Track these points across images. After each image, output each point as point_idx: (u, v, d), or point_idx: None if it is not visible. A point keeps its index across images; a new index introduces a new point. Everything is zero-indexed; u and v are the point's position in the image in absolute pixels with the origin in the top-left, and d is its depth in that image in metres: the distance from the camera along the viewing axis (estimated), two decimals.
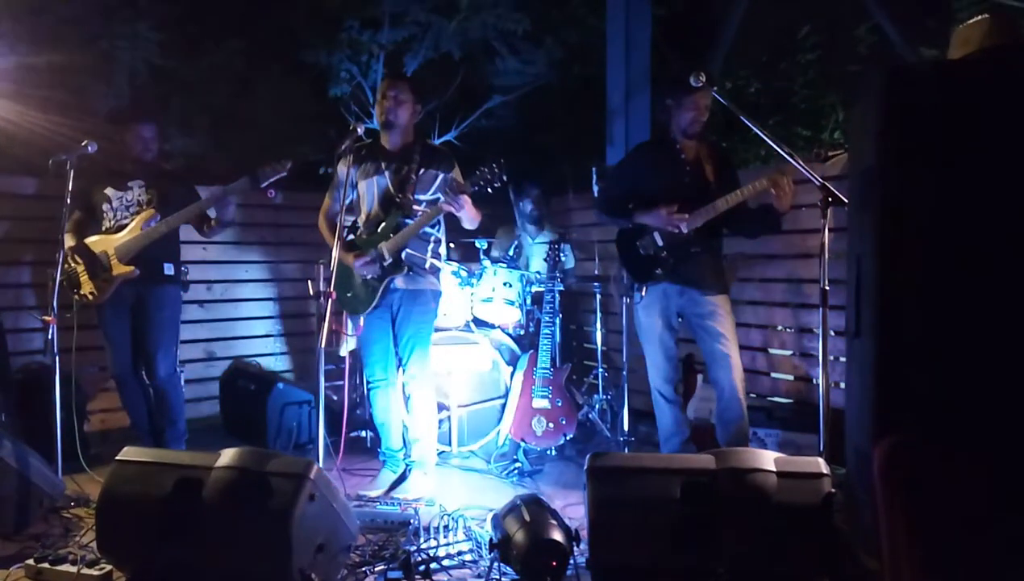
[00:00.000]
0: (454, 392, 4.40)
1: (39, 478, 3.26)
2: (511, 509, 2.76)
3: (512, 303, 4.69)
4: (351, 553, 2.82)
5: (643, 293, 3.66)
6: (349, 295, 3.68)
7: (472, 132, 7.00)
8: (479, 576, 2.78)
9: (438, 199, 3.57)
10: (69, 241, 3.76)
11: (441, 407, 4.29)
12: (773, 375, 4.57)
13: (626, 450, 4.40)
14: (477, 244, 4.96)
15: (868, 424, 2.04)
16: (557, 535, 2.61)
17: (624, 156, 4.10)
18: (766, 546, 2.42)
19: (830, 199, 2.85)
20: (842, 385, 3.80)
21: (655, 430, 3.82)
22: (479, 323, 4.71)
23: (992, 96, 1.94)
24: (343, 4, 6.58)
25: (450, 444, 4.38)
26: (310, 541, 2.45)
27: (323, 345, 2.97)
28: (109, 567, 2.67)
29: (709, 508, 2.44)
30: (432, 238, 3.73)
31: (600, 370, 5.03)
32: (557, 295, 4.52)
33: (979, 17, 2.53)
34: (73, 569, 2.67)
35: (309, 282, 5.02)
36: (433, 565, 2.80)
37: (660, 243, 3.59)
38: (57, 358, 3.47)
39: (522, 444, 4.25)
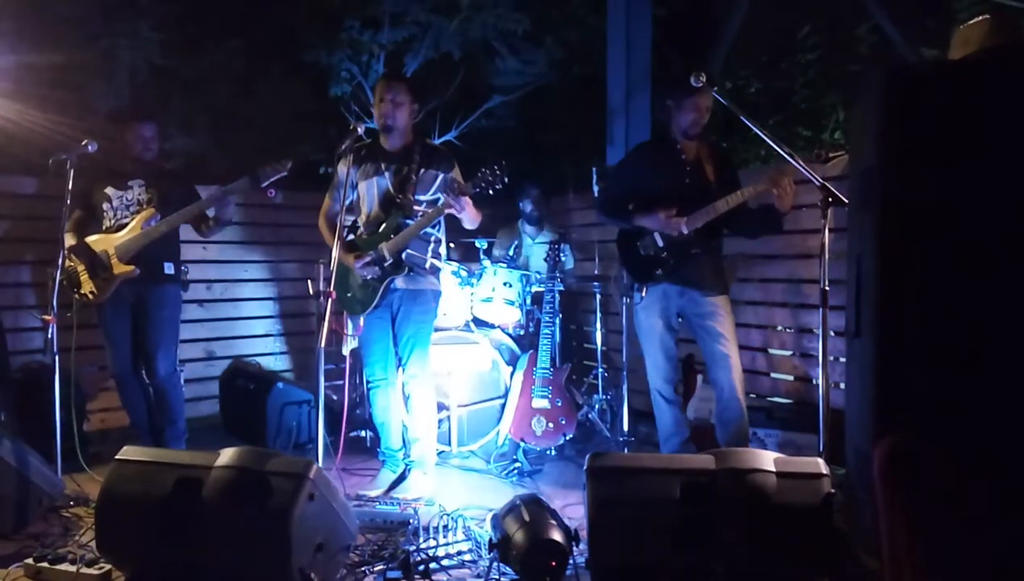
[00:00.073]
0: (454, 392, 4.40)
1: (38, 477, 3.26)
2: (510, 509, 2.76)
3: (512, 303, 4.69)
4: (350, 553, 2.82)
5: (643, 293, 3.66)
6: (349, 295, 3.68)
7: (472, 132, 7.00)
8: (478, 576, 2.78)
9: (438, 199, 3.58)
10: (69, 240, 3.75)
11: (441, 407, 4.29)
12: (773, 375, 4.57)
13: (626, 450, 4.40)
14: (477, 244, 4.96)
15: (868, 424, 2.04)
16: (556, 535, 2.61)
17: (624, 156, 4.10)
18: (766, 546, 2.42)
19: (830, 199, 2.84)
20: (842, 385, 3.80)
21: (655, 430, 3.82)
22: (479, 323, 4.71)
23: (992, 96, 1.94)
24: (343, 4, 6.59)
25: (450, 444, 4.38)
26: (309, 540, 2.45)
27: (323, 345, 2.97)
28: (108, 566, 2.67)
29: (709, 508, 2.44)
30: (432, 238, 3.73)
31: (600, 370, 5.03)
32: (557, 295, 4.52)
33: (979, 17, 2.53)
34: (72, 568, 2.67)
35: (309, 282, 5.03)
36: (432, 565, 2.80)
37: (660, 244, 3.59)
38: (57, 357, 3.47)
39: (522, 444, 4.25)
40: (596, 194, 4.85)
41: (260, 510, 2.41)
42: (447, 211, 3.46)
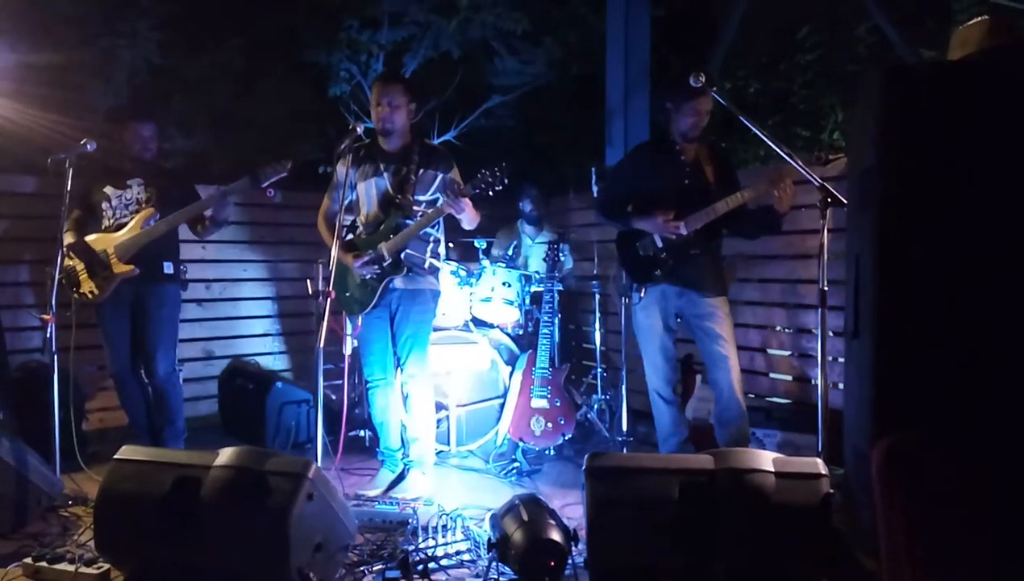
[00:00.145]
0: (453, 392, 4.40)
1: (37, 477, 3.26)
2: (509, 509, 2.76)
3: (511, 303, 4.69)
4: (349, 552, 2.81)
5: (642, 294, 3.66)
6: (348, 295, 3.68)
7: (471, 132, 7.01)
8: (477, 576, 2.78)
9: (437, 199, 3.58)
10: (69, 239, 3.75)
11: (440, 407, 4.29)
12: (772, 375, 4.57)
13: (624, 450, 4.39)
14: (476, 244, 4.96)
15: (867, 424, 2.04)
16: (555, 535, 2.60)
17: (623, 157, 4.10)
18: (764, 546, 2.42)
19: (829, 200, 2.84)
20: (841, 386, 3.80)
21: (653, 430, 3.82)
22: (478, 323, 4.71)
23: (991, 97, 1.95)
24: (343, 4, 6.59)
25: (449, 444, 4.38)
26: (308, 540, 2.45)
27: (322, 344, 2.97)
28: (107, 566, 2.67)
29: (707, 508, 2.44)
30: (431, 238, 3.73)
31: (599, 370, 5.03)
32: (556, 295, 4.52)
33: (978, 18, 2.54)
34: (71, 568, 2.66)
35: (308, 281, 5.02)
36: (431, 565, 2.79)
37: (659, 244, 3.59)
38: (56, 356, 3.46)
39: (520, 444, 4.25)
40: (595, 194, 4.85)
41: (259, 510, 2.41)
42: (447, 211, 3.46)
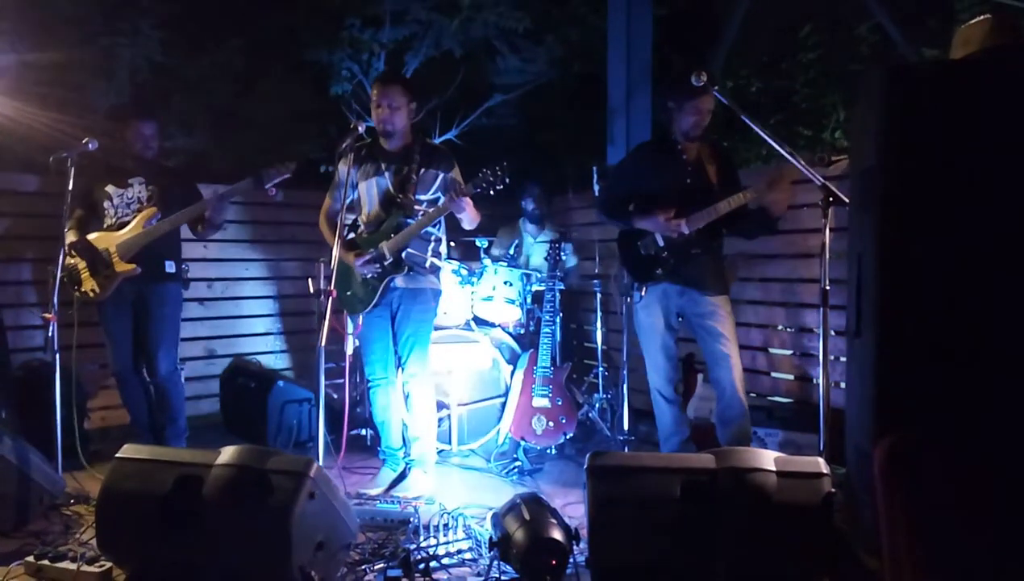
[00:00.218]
0: (454, 391, 4.40)
1: (39, 475, 3.26)
2: (511, 508, 2.76)
3: (512, 302, 4.70)
4: (351, 551, 2.82)
5: (643, 293, 3.66)
6: (349, 294, 3.68)
7: (473, 131, 7.00)
8: (479, 574, 2.78)
9: (438, 199, 3.58)
10: (71, 237, 3.75)
11: (441, 405, 4.30)
12: (773, 374, 4.57)
13: (626, 449, 4.40)
14: (478, 243, 4.96)
15: (868, 423, 2.04)
16: (557, 534, 2.61)
17: (625, 156, 4.10)
18: (766, 546, 2.42)
19: (831, 199, 2.84)
20: (842, 385, 3.80)
21: (655, 429, 3.82)
22: (479, 322, 4.71)
23: (993, 96, 1.94)
24: (344, 3, 6.59)
25: (450, 442, 4.38)
26: (310, 539, 2.45)
27: (323, 343, 2.97)
28: (109, 564, 2.67)
29: (709, 507, 2.44)
30: (432, 237, 3.74)
31: (600, 369, 5.03)
32: (557, 294, 4.52)
33: (980, 17, 2.53)
34: (73, 566, 2.67)
35: (309, 280, 5.03)
36: (433, 563, 2.80)
37: (661, 243, 3.59)
38: (58, 355, 3.47)
39: (522, 443, 4.25)
40: (596, 193, 4.85)
41: (260, 508, 2.42)
42: (448, 210, 3.46)
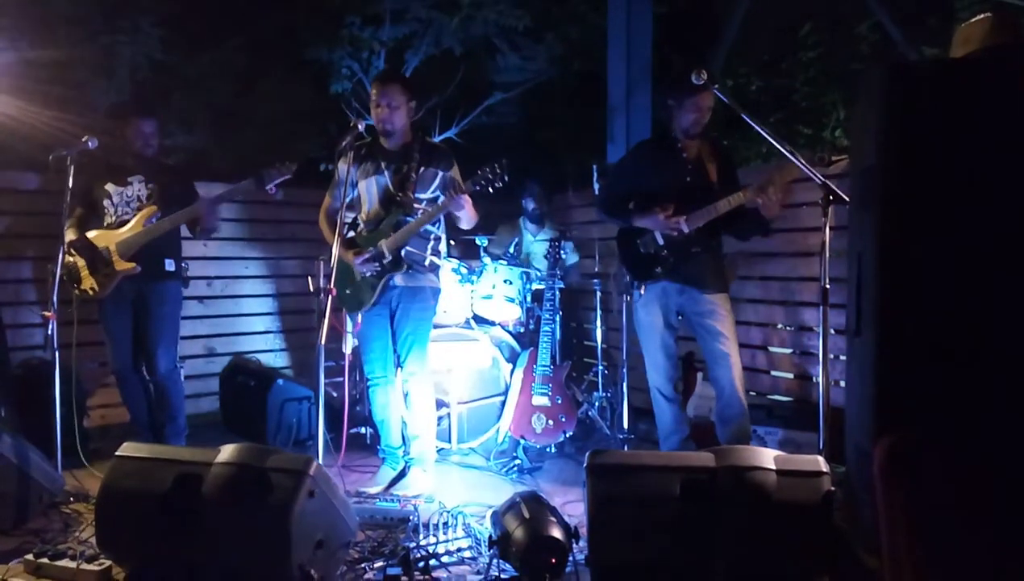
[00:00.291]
0: (454, 389, 4.40)
1: (38, 473, 3.26)
2: (510, 506, 2.76)
3: (512, 300, 4.69)
4: (350, 549, 2.82)
5: (642, 291, 3.66)
6: (348, 292, 3.68)
7: (473, 129, 7.01)
8: (478, 573, 2.78)
9: (438, 197, 3.58)
10: (70, 235, 3.75)
11: (441, 404, 4.29)
12: (773, 373, 4.57)
13: (625, 447, 4.40)
14: (477, 241, 4.96)
15: (868, 422, 2.04)
16: (556, 532, 2.61)
17: (625, 154, 4.10)
18: (766, 544, 2.42)
19: (831, 197, 2.83)
20: (842, 383, 3.80)
21: (655, 428, 3.82)
22: (479, 320, 4.71)
23: (994, 95, 1.94)
24: (344, 1, 6.59)
25: (450, 441, 4.38)
26: (309, 537, 2.45)
27: (323, 341, 2.97)
28: (108, 562, 2.67)
29: (709, 506, 2.44)
30: (432, 236, 3.73)
31: (600, 367, 5.03)
32: (557, 292, 4.51)
33: (981, 16, 2.52)
34: (72, 564, 2.67)
35: (309, 278, 5.02)
36: (432, 562, 2.80)
37: (661, 242, 3.59)
38: (57, 353, 3.47)
39: (522, 441, 4.26)
40: (596, 192, 4.85)
41: (260, 506, 2.41)
42: (446, 208, 3.46)
